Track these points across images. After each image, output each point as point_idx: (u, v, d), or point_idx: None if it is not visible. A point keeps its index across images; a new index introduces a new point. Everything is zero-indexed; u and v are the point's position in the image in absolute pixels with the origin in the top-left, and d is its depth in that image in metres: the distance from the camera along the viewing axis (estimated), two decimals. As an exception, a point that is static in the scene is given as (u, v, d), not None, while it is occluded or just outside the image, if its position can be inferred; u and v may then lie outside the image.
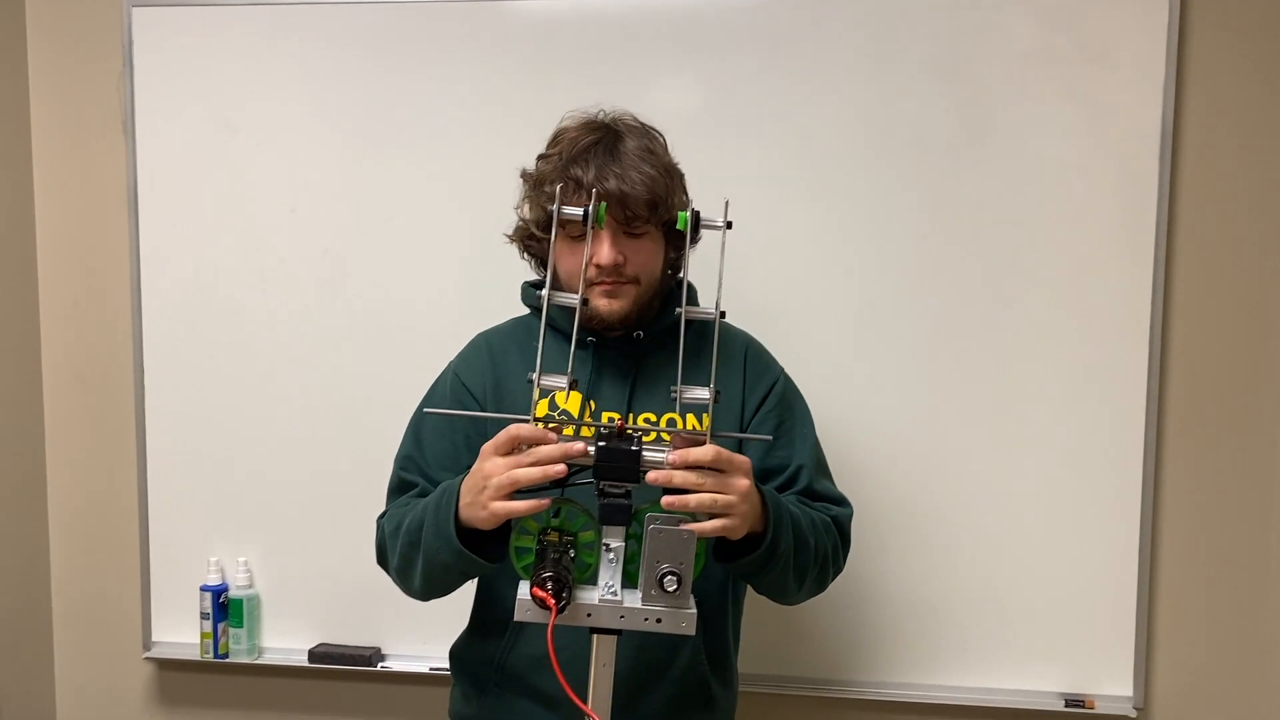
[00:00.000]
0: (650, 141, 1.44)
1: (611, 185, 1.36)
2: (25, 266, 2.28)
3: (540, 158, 1.47)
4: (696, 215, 1.28)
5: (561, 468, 1.18)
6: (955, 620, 2.07)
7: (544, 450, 1.20)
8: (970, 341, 2.04)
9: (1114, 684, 2.06)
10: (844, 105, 2.02)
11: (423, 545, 1.36)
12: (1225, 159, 2.01)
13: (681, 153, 1.51)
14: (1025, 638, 2.07)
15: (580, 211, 1.25)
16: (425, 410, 1.51)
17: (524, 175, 1.50)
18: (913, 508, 2.06)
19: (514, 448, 1.22)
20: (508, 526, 1.27)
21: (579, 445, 1.18)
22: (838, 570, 1.50)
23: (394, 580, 1.49)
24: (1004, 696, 2.08)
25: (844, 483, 1.59)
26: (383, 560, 1.50)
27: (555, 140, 1.47)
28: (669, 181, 1.42)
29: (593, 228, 1.27)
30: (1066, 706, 2.05)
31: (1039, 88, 1.99)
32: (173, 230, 2.18)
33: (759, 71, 2.03)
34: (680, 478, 1.18)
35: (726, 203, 1.26)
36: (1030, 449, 2.04)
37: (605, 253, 1.37)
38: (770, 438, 1.47)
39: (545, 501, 1.22)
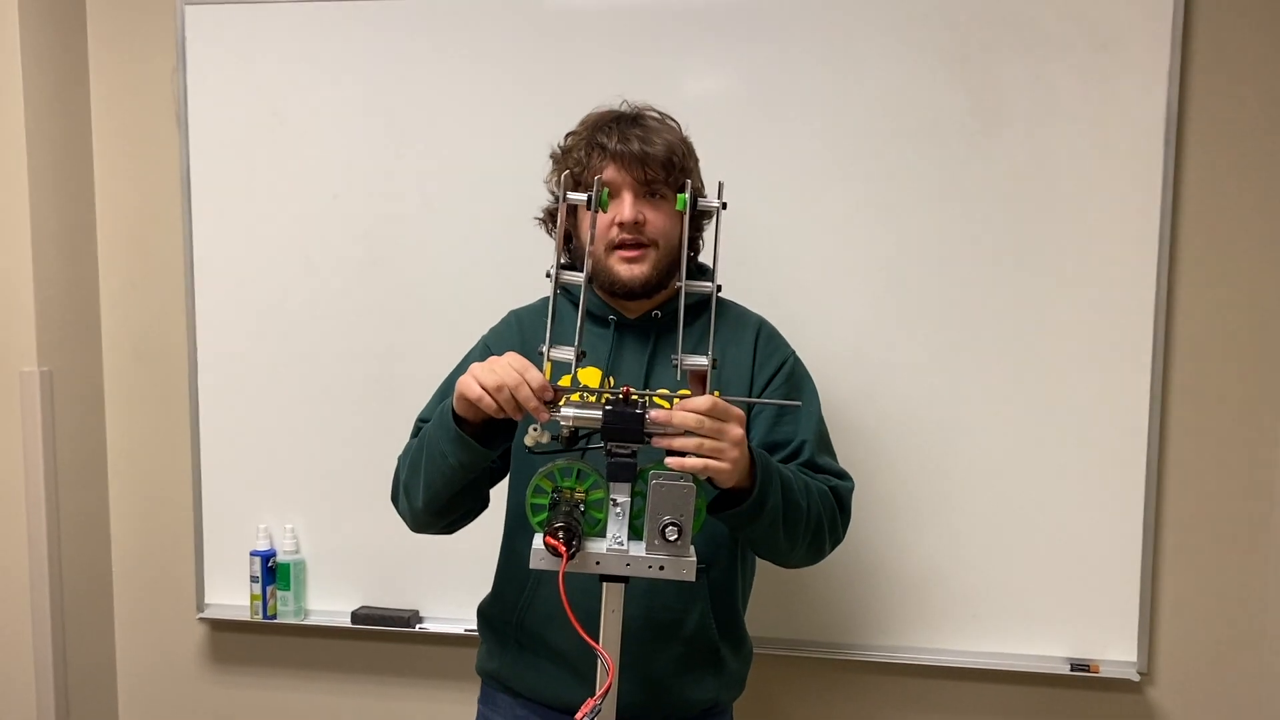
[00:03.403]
0: (668, 120, 1.56)
1: (634, 147, 1.47)
2: (86, 251, 2.36)
3: (567, 135, 1.58)
4: (695, 195, 1.36)
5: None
6: (965, 587, 2.12)
7: (526, 389, 1.27)
8: (980, 319, 2.08)
9: (1118, 649, 2.10)
10: (863, 92, 2.07)
11: (426, 441, 1.45)
12: (1228, 144, 2.05)
13: (705, 137, 1.61)
14: (1033, 604, 2.10)
15: (585, 196, 1.34)
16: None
17: (553, 156, 1.60)
18: (924, 478, 2.10)
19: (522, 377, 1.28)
20: (501, 427, 1.38)
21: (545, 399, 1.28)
22: (835, 540, 1.54)
23: (402, 510, 1.56)
24: (1012, 660, 2.12)
25: (858, 454, 1.64)
26: (395, 491, 1.58)
27: (582, 121, 1.58)
28: (685, 150, 1.53)
29: (595, 210, 1.35)
30: (1072, 670, 2.09)
31: (1050, 76, 2.02)
32: (223, 215, 2.26)
33: (781, 58, 2.08)
34: (680, 417, 1.24)
35: (720, 184, 1.36)
36: (1037, 420, 2.07)
37: (627, 210, 1.48)
38: (769, 401, 1.55)
39: None
